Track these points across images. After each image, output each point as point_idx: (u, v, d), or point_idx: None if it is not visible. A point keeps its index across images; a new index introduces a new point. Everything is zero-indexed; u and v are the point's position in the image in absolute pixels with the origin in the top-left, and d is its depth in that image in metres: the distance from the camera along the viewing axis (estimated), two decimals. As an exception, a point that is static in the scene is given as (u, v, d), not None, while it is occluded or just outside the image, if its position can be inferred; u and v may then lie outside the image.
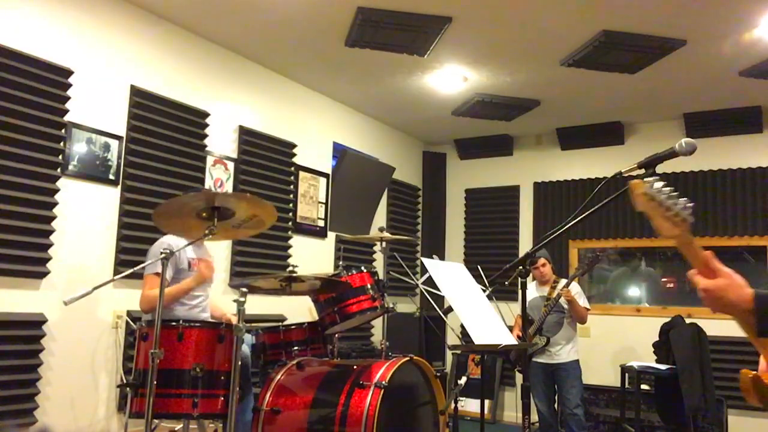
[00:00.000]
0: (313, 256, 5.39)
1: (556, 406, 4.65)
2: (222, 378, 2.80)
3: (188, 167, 4.31)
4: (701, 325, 4.83)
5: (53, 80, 3.56)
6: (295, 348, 3.23)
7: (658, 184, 1.30)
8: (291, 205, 5.20)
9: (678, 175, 5.83)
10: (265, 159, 4.95)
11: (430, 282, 2.89)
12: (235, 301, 2.59)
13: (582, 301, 4.50)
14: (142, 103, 4.06)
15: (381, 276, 3.52)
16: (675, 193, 1.31)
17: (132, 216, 3.93)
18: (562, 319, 4.52)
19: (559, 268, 6.15)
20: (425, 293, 3.03)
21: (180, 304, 3.34)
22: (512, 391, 6.33)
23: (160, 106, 4.16)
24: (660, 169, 2.09)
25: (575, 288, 4.52)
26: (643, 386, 5.17)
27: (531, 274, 4.71)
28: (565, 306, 4.48)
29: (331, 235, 5.66)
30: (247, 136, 4.84)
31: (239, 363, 2.61)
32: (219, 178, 4.60)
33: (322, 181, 5.60)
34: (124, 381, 3.71)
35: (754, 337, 1.35)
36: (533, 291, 4.69)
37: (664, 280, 6.10)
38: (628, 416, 4.97)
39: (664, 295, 6.00)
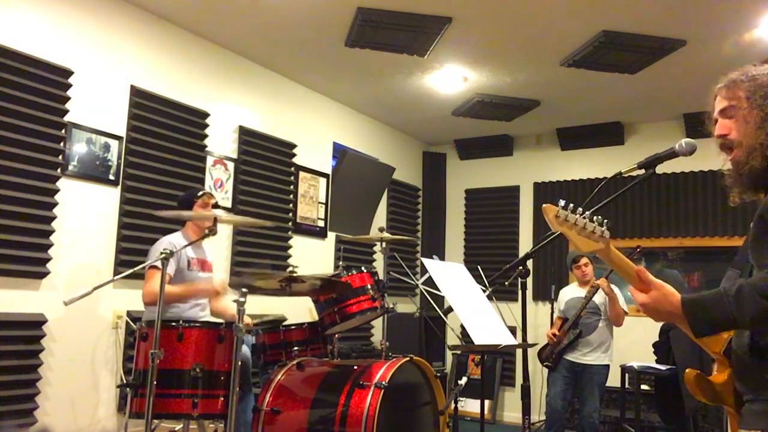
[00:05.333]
0: (313, 257, 5.39)
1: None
2: (222, 378, 2.80)
3: (188, 167, 4.31)
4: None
5: (53, 80, 3.56)
6: (295, 348, 3.23)
7: (570, 206, 1.43)
8: (291, 205, 5.20)
9: (678, 175, 5.84)
10: (265, 159, 4.95)
11: (430, 282, 2.89)
12: (235, 301, 2.59)
13: (620, 303, 4.39)
14: (142, 103, 4.06)
15: (381, 276, 3.52)
16: (587, 213, 1.44)
17: (132, 216, 3.93)
18: (597, 321, 4.42)
19: (559, 269, 6.16)
20: (425, 293, 3.03)
21: (177, 308, 3.35)
22: (512, 391, 6.34)
23: (160, 106, 4.16)
24: (660, 169, 2.09)
25: (614, 290, 4.45)
26: (643, 386, 5.17)
27: (572, 274, 4.68)
28: (600, 307, 4.41)
29: (331, 235, 5.66)
30: (247, 136, 4.83)
31: (239, 363, 2.61)
32: (219, 178, 4.60)
33: (322, 181, 5.60)
34: (124, 381, 3.71)
35: (696, 338, 1.43)
36: (573, 291, 4.62)
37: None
38: (628, 416, 4.97)
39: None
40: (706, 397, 1.56)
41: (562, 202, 1.44)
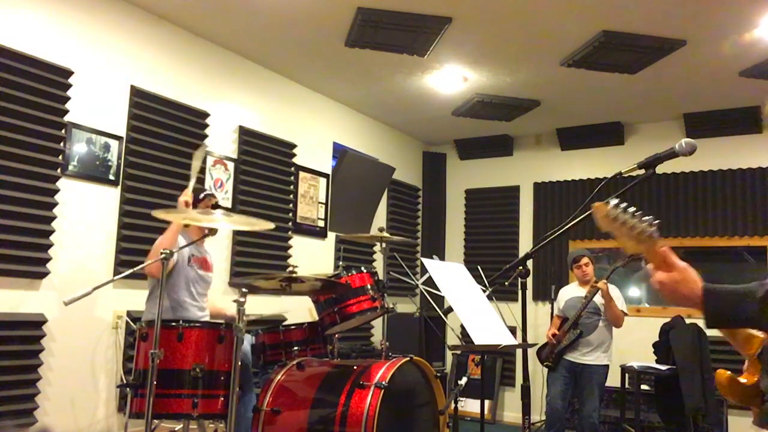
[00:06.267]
0: (313, 257, 5.39)
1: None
2: (222, 378, 2.80)
3: (188, 167, 4.27)
4: (701, 325, 4.82)
5: (53, 80, 3.56)
6: (295, 348, 3.22)
7: (621, 205, 1.38)
8: (291, 205, 5.20)
9: (678, 175, 5.83)
10: (265, 159, 4.95)
11: (430, 282, 2.88)
12: (235, 301, 2.59)
13: (620, 304, 4.41)
14: (142, 103, 4.06)
15: (381, 276, 3.52)
16: (638, 213, 1.38)
17: (132, 216, 3.93)
18: (597, 321, 4.43)
19: (559, 269, 6.16)
20: (425, 293, 3.03)
21: (177, 305, 3.34)
22: (512, 391, 6.34)
23: (160, 106, 4.16)
24: (660, 169, 2.10)
25: (614, 292, 4.44)
26: (643, 386, 5.17)
27: (572, 273, 4.69)
28: (601, 308, 4.41)
29: (331, 236, 5.66)
30: (247, 136, 4.83)
31: (239, 363, 2.61)
32: (219, 178, 4.60)
33: (322, 181, 5.60)
34: (124, 381, 3.71)
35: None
36: (573, 291, 4.65)
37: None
38: (628, 416, 4.97)
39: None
40: (736, 398, 1.55)
41: (613, 201, 1.39)
